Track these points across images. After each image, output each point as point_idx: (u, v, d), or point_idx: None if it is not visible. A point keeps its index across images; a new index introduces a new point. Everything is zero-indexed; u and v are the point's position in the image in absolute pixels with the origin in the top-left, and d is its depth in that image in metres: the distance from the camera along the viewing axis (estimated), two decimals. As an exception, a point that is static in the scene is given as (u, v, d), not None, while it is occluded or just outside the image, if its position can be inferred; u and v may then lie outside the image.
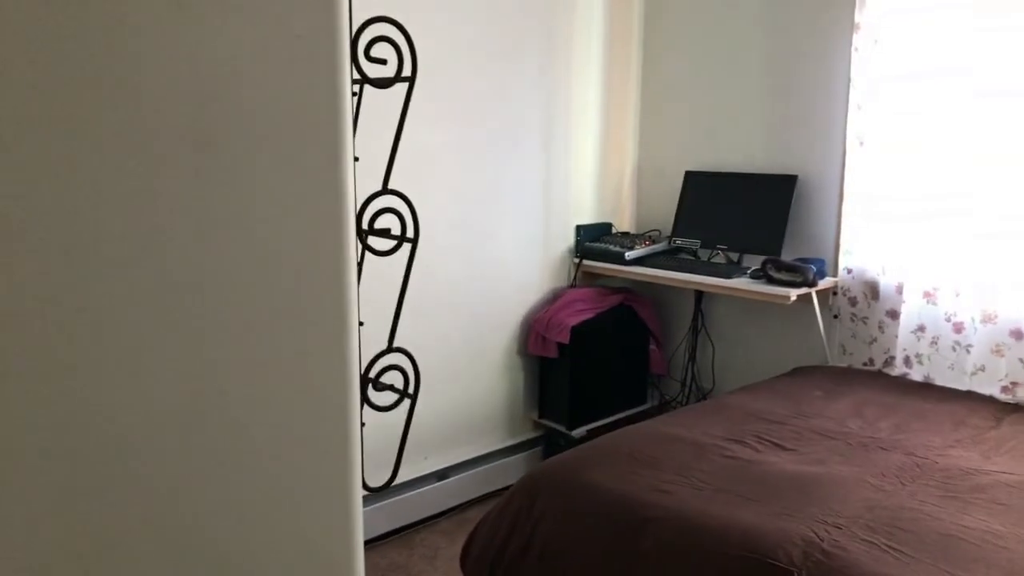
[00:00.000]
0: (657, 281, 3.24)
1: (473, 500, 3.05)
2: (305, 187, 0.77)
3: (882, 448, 2.14)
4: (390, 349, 1.20)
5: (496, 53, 2.98)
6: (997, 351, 2.58)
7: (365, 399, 1.09)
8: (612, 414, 3.36)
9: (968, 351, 2.64)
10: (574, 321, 3.14)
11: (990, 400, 2.54)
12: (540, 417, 3.33)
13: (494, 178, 3.04)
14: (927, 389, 2.65)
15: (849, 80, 2.89)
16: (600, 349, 3.27)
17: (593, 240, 3.46)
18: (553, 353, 3.15)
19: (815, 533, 1.65)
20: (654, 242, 3.40)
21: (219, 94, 0.71)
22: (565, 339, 3.10)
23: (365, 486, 0.94)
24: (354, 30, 0.99)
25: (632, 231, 3.70)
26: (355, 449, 0.80)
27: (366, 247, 1.15)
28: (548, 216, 3.31)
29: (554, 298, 3.32)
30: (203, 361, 0.74)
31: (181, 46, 0.69)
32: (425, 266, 2.79)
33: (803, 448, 2.13)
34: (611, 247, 3.35)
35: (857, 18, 2.83)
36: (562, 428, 3.21)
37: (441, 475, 2.96)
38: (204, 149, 0.71)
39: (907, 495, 1.85)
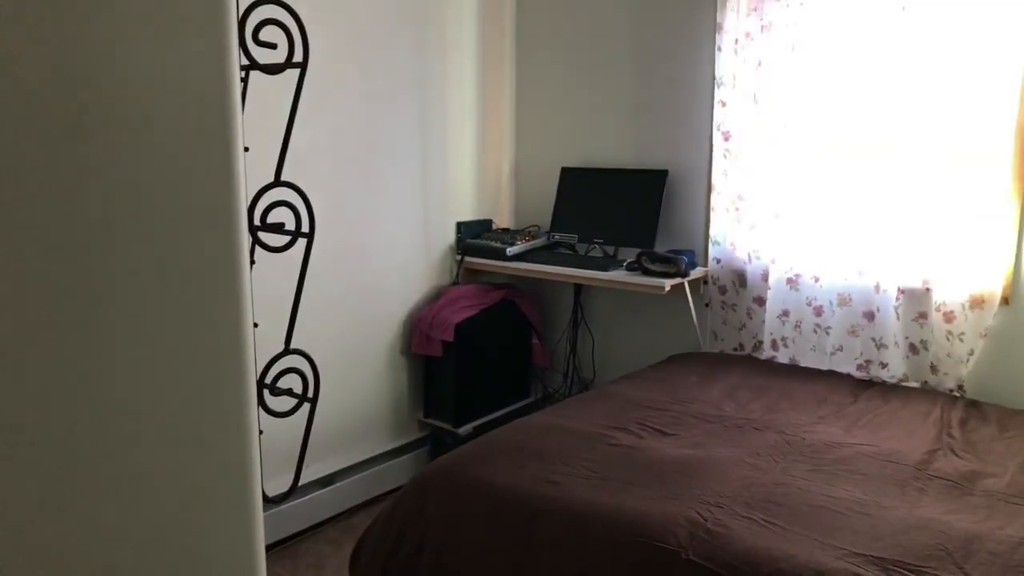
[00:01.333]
0: (538, 276, 3.27)
1: (359, 505, 2.98)
2: (192, 179, 0.71)
3: (755, 428, 2.24)
4: (287, 351, 1.14)
5: (368, 48, 2.91)
6: (852, 332, 2.77)
7: (262, 404, 1.03)
8: (497, 409, 3.37)
9: (828, 333, 2.83)
10: (458, 318, 3.12)
11: (847, 378, 2.73)
12: (426, 416, 3.29)
13: (370, 176, 2.97)
14: (793, 370, 2.81)
15: (714, 78, 3.02)
16: (484, 345, 3.27)
17: (474, 237, 3.45)
18: (438, 351, 3.12)
19: (699, 514, 1.71)
20: (534, 237, 3.43)
21: (96, 77, 0.64)
22: (450, 337, 3.07)
23: (264, 496, 0.88)
24: (240, 11, 0.92)
25: (512, 227, 3.72)
26: (254, 458, 0.75)
27: (258, 243, 1.08)
28: (428, 213, 3.27)
29: (437, 296, 3.29)
30: (88, 368, 0.67)
31: (56, 22, 0.62)
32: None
33: (683, 432, 2.21)
34: (492, 243, 3.36)
35: (719, 18, 2.96)
36: (448, 426, 3.19)
37: (325, 482, 2.87)
38: (78, 138, 0.64)
39: (780, 471, 1.96)
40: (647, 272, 2.98)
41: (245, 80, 1.05)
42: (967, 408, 2.44)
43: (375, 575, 1.98)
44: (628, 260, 3.10)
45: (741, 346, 3.07)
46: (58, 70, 0.63)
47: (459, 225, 3.44)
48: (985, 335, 2.59)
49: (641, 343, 3.38)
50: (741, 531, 1.65)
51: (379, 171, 3.00)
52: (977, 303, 2.57)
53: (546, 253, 3.33)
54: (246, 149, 0.77)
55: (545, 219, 3.55)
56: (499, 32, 3.55)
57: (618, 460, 2.01)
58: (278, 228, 1.08)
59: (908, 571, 1.50)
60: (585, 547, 1.70)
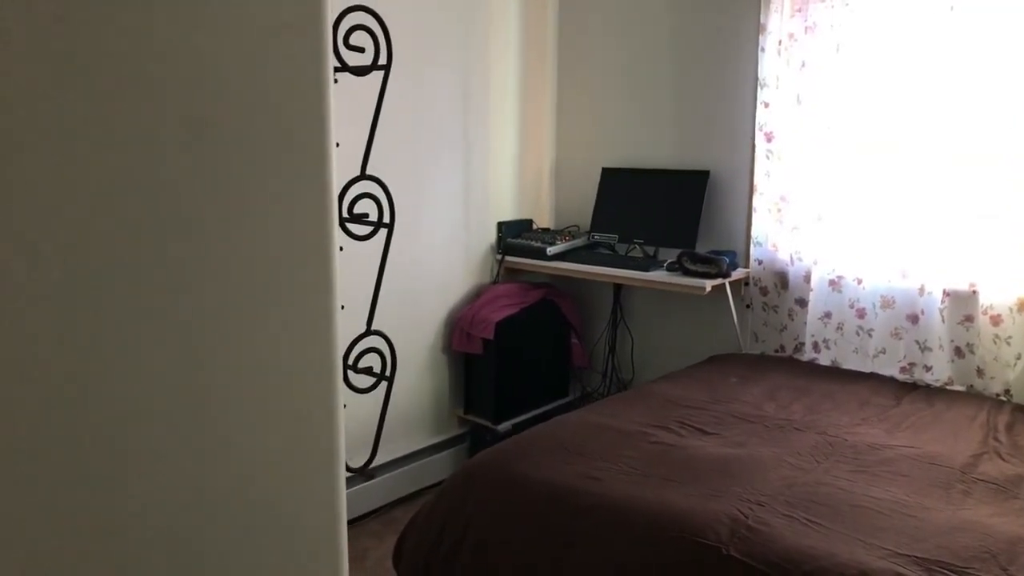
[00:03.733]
0: (578, 276, 3.30)
1: (400, 499, 3.03)
2: (292, 175, 0.76)
3: (796, 429, 2.24)
4: (368, 332, 1.20)
5: (419, 55, 2.96)
6: (896, 334, 2.75)
7: (346, 381, 1.09)
8: (536, 408, 3.40)
9: (870, 335, 2.81)
10: (498, 317, 3.16)
11: (891, 380, 2.71)
12: (466, 413, 3.33)
13: (416, 175, 3.03)
14: (834, 372, 2.80)
15: (756, 79, 3.02)
16: (524, 344, 3.31)
17: (515, 236, 3.49)
18: (478, 349, 3.17)
19: (740, 511, 1.72)
20: (574, 237, 3.45)
21: (209, 82, 0.70)
22: (490, 335, 3.11)
23: (348, 467, 0.94)
24: (334, 18, 0.99)
25: (552, 227, 3.75)
26: (339, 430, 0.80)
27: (346, 232, 1.14)
28: (470, 213, 3.32)
29: (478, 295, 3.33)
30: (193, 350, 0.72)
31: (173, 33, 0.68)
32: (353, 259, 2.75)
33: (723, 432, 2.22)
34: (532, 243, 3.39)
35: (762, 19, 2.95)
36: (488, 423, 3.23)
37: (368, 475, 2.93)
38: (196, 139, 0.70)
39: (822, 471, 1.96)
40: (688, 272, 2.98)
41: (336, 81, 1.11)
42: (1014, 412, 2.41)
43: (418, 567, 2.03)
44: (668, 260, 3.11)
45: (782, 348, 3.06)
46: (181, 70, 0.69)
47: (500, 225, 3.48)
48: (1033, 339, 2.55)
49: (681, 344, 3.39)
50: (782, 529, 1.66)
51: (424, 172, 3.06)
52: (1025, 306, 2.53)
53: (586, 253, 3.36)
54: (337, 145, 0.82)
55: (585, 219, 3.58)
56: (541, 33, 3.59)
57: (659, 457, 2.03)
58: (362, 219, 1.13)
59: (952, 572, 1.50)
60: (626, 542, 1.72)
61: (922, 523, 1.70)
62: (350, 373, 1.15)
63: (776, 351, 3.07)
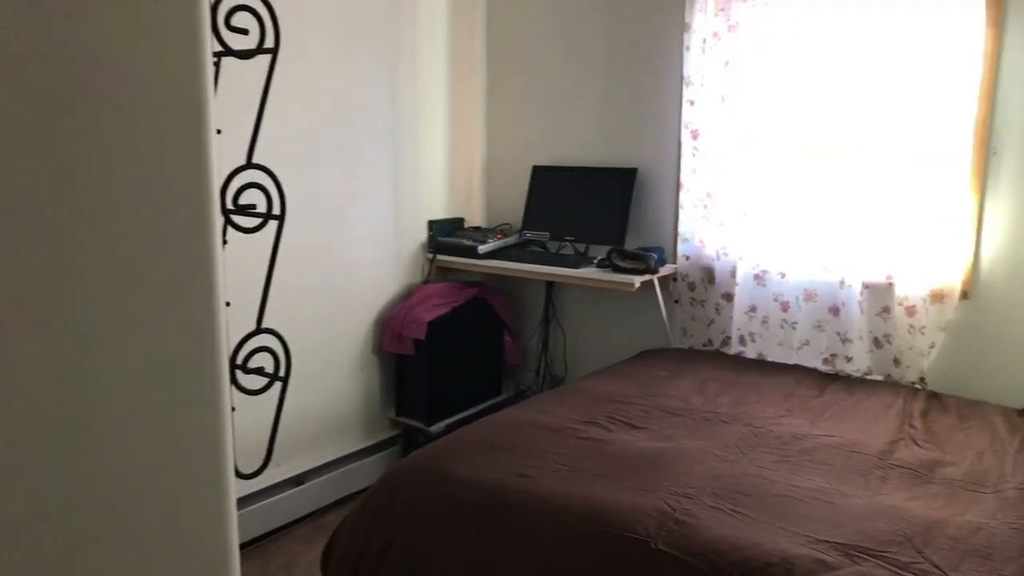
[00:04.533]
0: (510, 274, 3.29)
1: (331, 504, 2.96)
2: (167, 160, 0.71)
3: (723, 421, 2.28)
4: (259, 330, 1.15)
5: (340, 45, 2.90)
6: (818, 327, 2.82)
7: (234, 382, 1.03)
8: (470, 408, 3.37)
9: (794, 328, 2.87)
10: (430, 316, 3.12)
11: (814, 372, 2.78)
12: (398, 415, 3.29)
13: (340, 173, 2.96)
14: (760, 365, 2.86)
15: (682, 77, 3.06)
16: (456, 343, 3.28)
17: (446, 235, 3.45)
18: (409, 350, 3.12)
19: (668, 504, 1.73)
20: (505, 236, 3.44)
21: (70, 62, 0.65)
22: (421, 335, 3.07)
23: (238, 472, 0.89)
24: None
25: (484, 225, 3.73)
26: (226, 433, 0.75)
27: (230, 223, 1.09)
28: (399, 211, 3.27)
29: (409, 294, 3.29)
30: (63, 345, 0.67)
31: (36, 6, 0.62)
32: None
33: (652, 426, 2.23)
34: (464, 241, 3.37)
35: (687, 18, 2.99)
36: (421, 425, 3.19)
37: (296, 481, 2.85)
38: (59, 117, 0.64)
39: (747, 462, 1.99)
40: (617, 269, 3.01)
41: (217, 65, 1.05)
42: (928, 400, 2.50)
43: (347, 572, 1.98)
44: (599, 257, 3.13)
45: (710, 342, 3.11)
46: (43, 49, 0.63)
47: (430, 223, 3.44)
48: (945, 328, 2.65)
49: (612, 340, 3.41)
50: (709, 520, 1.67)
51: (348, 169, 3.00)
52: (938, 297, 2.63)
53: (518, 251, 3.35)
54: (218, 131, 0.77)
55: (517, 217, 3.57)
56: (469, 31, 3.56)
57: (588, 453, 2.03)
58: (249, 209, 1.08)
59: (870, 556, 1.54)
60: (555, 538, 1.71)
61: (842, 510, 1.74)
62: (240, 374, 1.10)
63: (704, 345, 3.12)
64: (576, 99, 3.44)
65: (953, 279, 2.61)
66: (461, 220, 3.61)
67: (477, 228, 3.61)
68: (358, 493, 3.00)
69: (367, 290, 3.14)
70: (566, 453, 2.03)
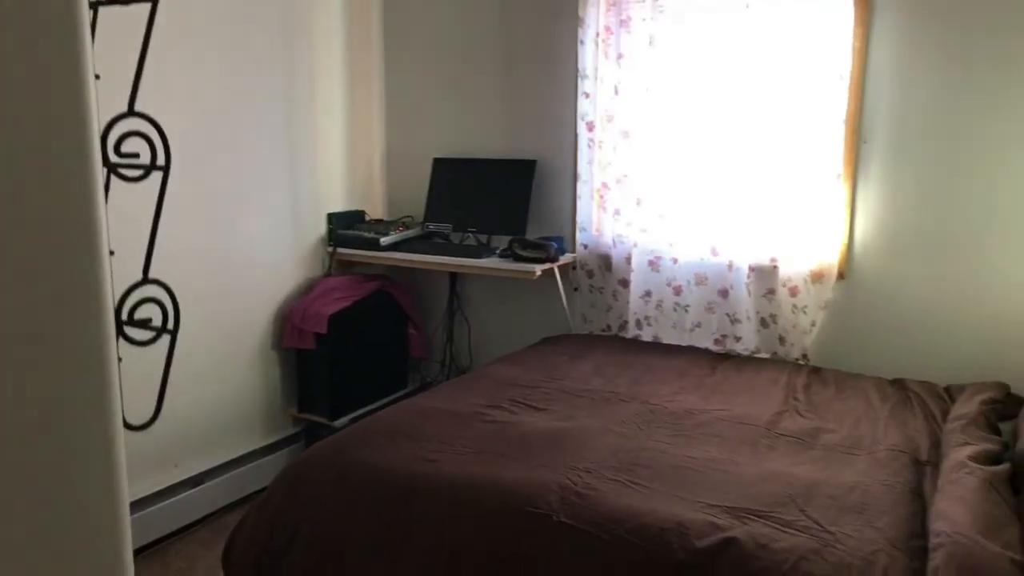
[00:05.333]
0: (413, 265, 3.28)
1: (231, 504, 2.89)
2: (41, 106, 0.68)
3: (621, 400, 2.35)
4: (145, 281, 1.11)
5: (230, 31, 2.82)
6: (709, 309, 2.95)
7: (121, 333, 1.00)
8: (375, 401, 3.35)
9: (687, 311, 3.00)
10: (331, 310, 3.08)
11: (706, 352, 2.91)
12: (300, 411, 3.23)
13: (232, 168, 2.88)
14: (656, 347, 2.97)
15: (577, 70, 3.13)
16: (359, 337, 3.25)
17: (346, 228, 3.41)
18: (310, 344, 3.08)
19: (569, 479, 1.78)
20: (407, 228, 3.43)
21: None
22: (322, 329, 3.03)
23: (126, 423, 0.86)
24: None
25: (385, 218, 3.71)
26: (113, 384, 0.73)
27: (113, 172, 1.05)
28: (297, 205, 3.22)
29: (309, 288, 3.24)
30: None
31: None
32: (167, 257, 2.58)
33: (554, 407, 2.29)
34: (365, 234, 3.34)
35: (581, 12, 3.07)
36: (324, 420, 3.15)
37: (195, 481, 2.76)
38: None
39: (644, 437, 2.07)
40: (518, 258, 3.05)
41: (95, 9, 1.02)
42: (810, 374, 2.65)
43: (249, 568, 1.94)
44: (501, 248, 3.17)
45: (609, 327, 3.20)
46: None
47: (330, 216, 3.39)
48: (825, 307, 2.83)
49: (515, 328, 3.46)
50: (608, 492, 1.73)
51: (241, 163, 2.92)
52: (817, 278, 2.80)
53: (420, 243, 3.35)
54: (97, 76, 0.75)
55: (419, 209, 3.56)
56: (366, 22, 3.53)
57: (492, 436, 2.06)
58: (132, 158, 1.05)
59: (757, 517, 1.63)
60: (461, 519, 1.73)
61: (732, 477, 1.84)
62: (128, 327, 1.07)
63: (603, 330, 3.21)
64: (476, 92, 3.47)
65: (831, 260, 2.78)
66: (362, 213, 3.58)
67: (379, 221, 3.58)
68: (259, 492, 2.92)
69: (265, 285, 3.07)
70: (471, 437, 2.05)
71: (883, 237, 2.76)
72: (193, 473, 2.76)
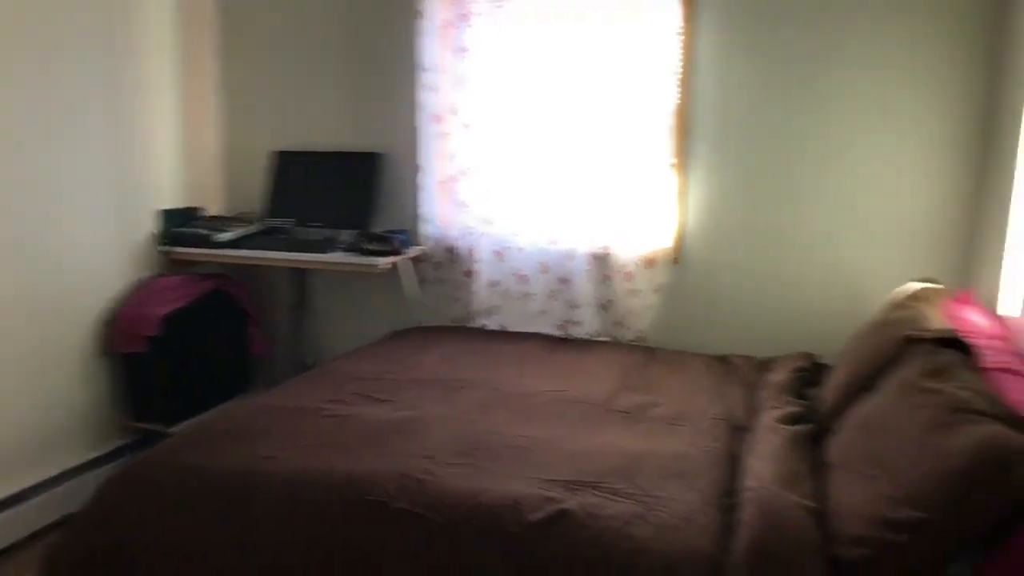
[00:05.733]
0: (255, 262, 3.18)
1: (56, 523, 2.67)
2: None
3: (466, 387, 2.39)
4: None
5: (40, 17, 2.61)
6: (552, 296, 3.05)
7: None
8: (216, 404, 3.20)
9: (531, 299, 3.08)
10: (164, 311, 2.93)
11: (549, 338, 3.00)
12: (135, 420, 3.05)
13: (43, 157, 2.66)
14: (502, 335, 3.03)
15: (419, 63, 3.12)
16: (196, 338, 3.11)
17: (180, 225, 3.25)
18: (142, 348, 2.91)
19: (409, 467, 1.79)
20: (248, 223, 3.32)
21: None
22: (154, 331, 2.88)
23: None
24: None
25: (225, 214, 3.56)
26: None
27: None
28: (124, 201, 3.02)
29: (139, 289, 3.05)
30: None
31: None
32: None
33: (398, 398, 2.29)
34: (201, 231, 3.19)
35: (419, 6, 3.07)
36: (160, 428, 2.98)
37: (16, 499, 2.55)
38: None
39: (487, 421, 2.11)
40: (364, 252, 3.03)
41: None
42: (645, 354, 2.80)
43: (70, 586, 1.81)
44: (346, 242, 3.12)
45: (458, 318, 3.23)
46: None
47: (162, 213, 3.22)
48: (658, 291, 2.99)
49: (363, 323, 3.42)
50: (447, 477, 1.76)
51: (58, 158, 2.71)
52: (650, 263, 2.95)
53: (262, 239, 3.24)
54: None
55: (261, 204, 3.44)
56: (200, 14, 3.37)
57: (334, 429, 2.03)
58: None
59: (590, 487, 1.71)
60: (305, 513, 1.70)
61: (568, 453, 1.91)
62: None
63: (452, 322, 3.24)
64: (317, 84, 3.40)
65: (664, 247, 2.95)
66: (197, 209, 3.41)
67: (216, 217, 3.43)
68: (90, 507, 2.74)
69: (87, 287, 2.86)
70: (312, 432, 2.02)
71: (712, 225, 2.96)
72: (12, 491, 2.54)
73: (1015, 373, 1.70)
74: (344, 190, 3.30)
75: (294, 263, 3.14)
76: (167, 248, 3.17)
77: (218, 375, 3.28)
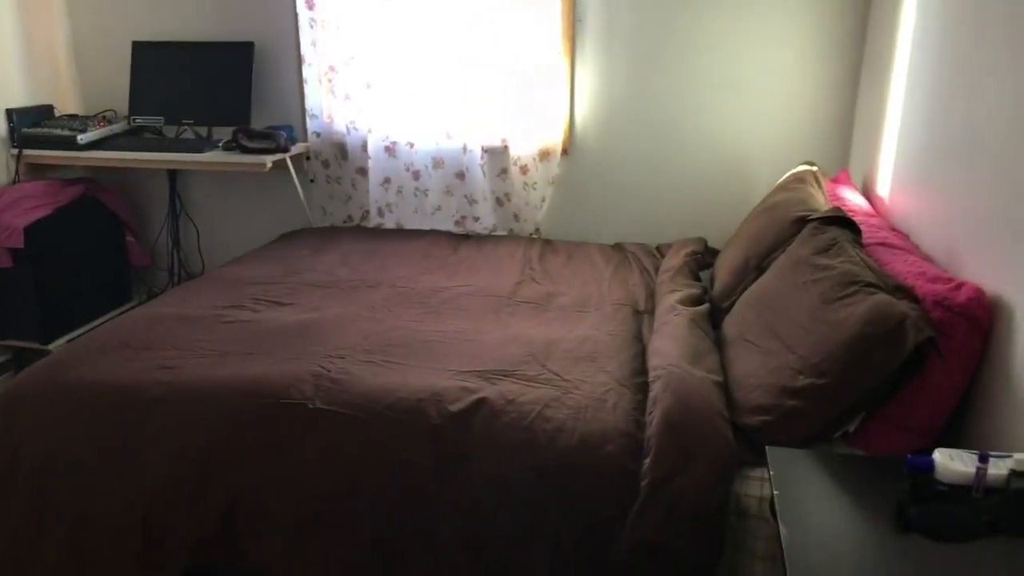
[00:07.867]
0: (123, 165, 2.95)
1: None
2: None
3: (369, 287, 2.35)
4: None
5: None
6: (448, 192, 3.00)
7: None
8: (96, 318, 3.02)
9: (426, 195, 3.02)
10: (26, 221, 2.69)
11: (447, 234, 2.97)
12: (3, 339, 2.83)
13: None
14: (399, 233, 2.98)
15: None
16: (66, 249, 2.88)
17: (32, 126, 2.94)
18: (6, 262, 2.67)
19: (322, 367, 1.76)
20: (110, 123, 3.05)
21: None
22: (18, 243, 2.64)
23: None
24: None
25: (81, 113, 3.24)
26: None
27: None
28: (-38, 99, 2.70)
29: (-7, 198, 2.77)
30: None
31: None
32: None
33: (299, 300, 2.22)
34: (57, 131, 2.91)
35: None
36: (35, 344, 2.79)
37: None
38: None
39: (394, 319, 2.09)
40: (246, 150, 2.86)
41: None
42: (543, 246, 2.83)
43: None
44: (224, 140, 2.92)
45: (350, 218, 3.14)
46: None
47: (9, 113, 2.90)
48: (553, 183, 3.00)
49: (250, 226, 3.26)
50: (363, 374, 1.74)
51: None
52: (545, 156, 2.94)
53: (129, 139, 2.99)
54: None
55: (122, 102, 3.15)
56: None
57: (236, 336, 1.96)
58: None
59: (505, 376, 1.75)
60: (206, 421, 1.65)
61: (480, 344, 1.93)
62: None
63: (345, 221, 3.15)
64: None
65: (556, 139, 2.94)
66: (50, 108, 3.09)
67: (73, 116, 3.13)
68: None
69: (-68, 196, 2.58)
70: (212, 339, 1.94)
71: (602, 116, 2.96)
72: None
73: (890, 246, 1.83)
74: (216, 84, 3.06)
75: (168, 164, 2.93)
76: (19, 151, 2.87)
77: (95, 288, 3.07)
